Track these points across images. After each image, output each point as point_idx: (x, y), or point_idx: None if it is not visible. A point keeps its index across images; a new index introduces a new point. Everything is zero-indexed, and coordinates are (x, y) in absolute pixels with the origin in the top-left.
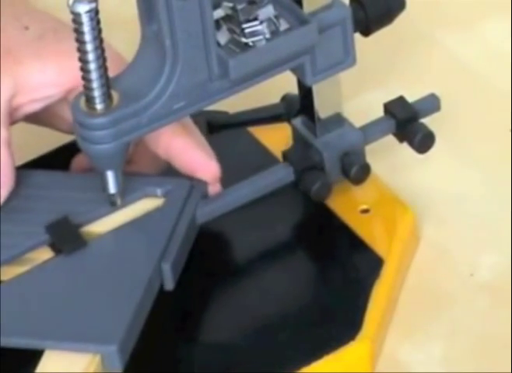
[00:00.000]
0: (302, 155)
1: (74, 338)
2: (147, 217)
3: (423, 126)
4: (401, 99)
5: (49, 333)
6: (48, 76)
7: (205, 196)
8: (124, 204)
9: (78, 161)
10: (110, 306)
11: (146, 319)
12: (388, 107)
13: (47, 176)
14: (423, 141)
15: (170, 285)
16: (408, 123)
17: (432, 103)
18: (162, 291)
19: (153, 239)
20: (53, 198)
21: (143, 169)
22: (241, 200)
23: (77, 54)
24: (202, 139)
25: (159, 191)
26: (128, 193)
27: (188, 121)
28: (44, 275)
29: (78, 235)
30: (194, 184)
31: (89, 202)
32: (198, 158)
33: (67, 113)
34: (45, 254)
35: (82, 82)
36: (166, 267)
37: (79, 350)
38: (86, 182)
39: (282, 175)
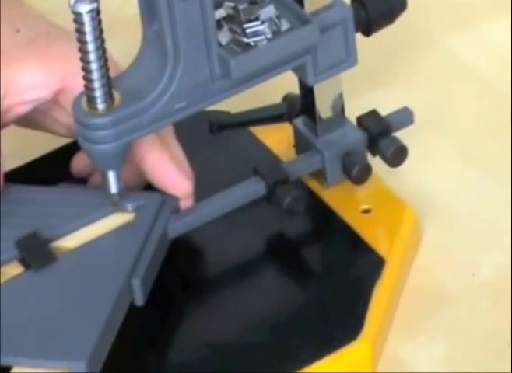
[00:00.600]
0: (273, 168)
1: (43, 354)
2: (117, 232)
3: (396, 139)
4: (373, 113)
5: (17, 349)
6: (37, 78)
7: (176, 210)
8: (95, 219)
9: (78, 159)
10: (79, 322)
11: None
12: (361, 121)
13: (17, 191)
14: (396, 155)
15: (139, 301)
16: (380, 136)
17: (405, 117)
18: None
19: (123, 254)
20: (24, 213)
21: (133, 170)
22: (213, 215)
23: (68, 56)
24: (180, 154)
25: (129, 206)
26: (98, 208)
27: (168, 134)
28: (13, 290)
29: (47, 251)
30: (166, 199)
31: (60, 217)
32: (170, 175)
33: (60, 115)
34: (15, 269)
35: (71, 84)
36: (136, 283)
37: (48, 366)
38: (57, 197)
39: (254, 189)
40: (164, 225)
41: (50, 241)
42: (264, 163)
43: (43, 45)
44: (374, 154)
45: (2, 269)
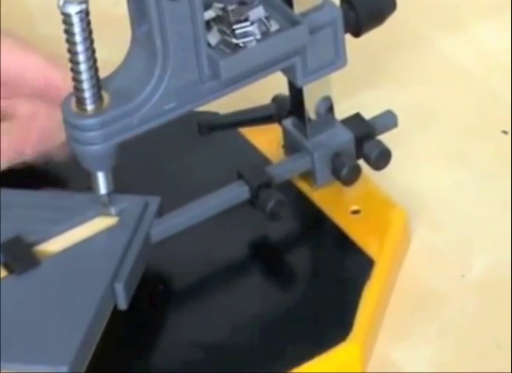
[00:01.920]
0: (257, 172)
1: (25, 358)
2: (100, 235)
3: (380, 143)
4: (357, 116)
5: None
6: None
7: (159, 214)
8: (78, 223)
9: None
10: (61, 326)
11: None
12: (344, 124)
13: (1, 195)
14: (380, 158)
15: (123, 305)
16: (364, 139)
17: (389, 120)
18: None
19: (106, 258)
20: (7, 216)
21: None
22: (196, 219)
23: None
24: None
25: (113, 209)
26: (81, 212)
27: None
28: None
29: (31, 255)
30: (149, 202)
31: (43, 221)
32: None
33: None
34: None
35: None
36: (119, 287)
37: (31, 370)
38: (41, 200)
39: (238, 193)
40: (147, 229)
41: (33, 245)
42: (248, 167)
43: None
44: (358, 157)
45: None
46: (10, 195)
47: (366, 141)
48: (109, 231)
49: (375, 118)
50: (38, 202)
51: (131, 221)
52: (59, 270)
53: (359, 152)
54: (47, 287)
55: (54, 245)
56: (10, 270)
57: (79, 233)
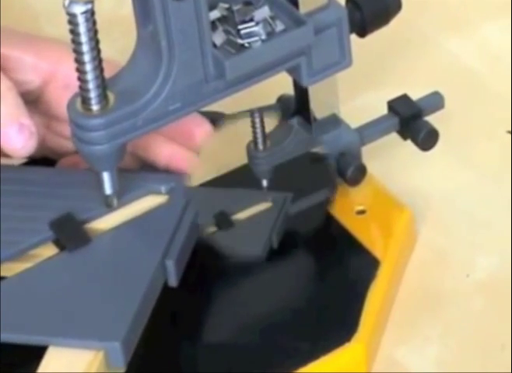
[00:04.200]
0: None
1: (77, 334)
2: (151, 214)
3: (427, 123)
4: (404, 97)
5: (52, 329)
6: (27, 60)
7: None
8: (128, 201)
9: (64, 163)
10: (113, 302)
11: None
12: (392, 105)
13: (51, 173)
14: (427, 139)
15: (173, 282)
16: (411, 120)
17: (436, 101)
18: (162, 291)
19: (157, 236)
20: (57, 195)
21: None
22: None
23: (58, 45)
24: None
25: (162, 188)
26: (131, 190)
27: None
28: (48, 271)
29: (82, 232)
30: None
31: (94, 199)
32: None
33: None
34: (49, 250)
35: (60, 69)
36: (170, 264)
37: (83, 346)
38: (91, 179)
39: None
40: (197, 207)
41: (84, 222)
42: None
43: (34, 37)
44: (405, 138)
45: (37, 250)
46: (61, 174)
47: (413, 122)
48: (159, 208)
49: (422, 99)
50: (89, 180)
51: (181, 199)
52: (110, 247)
53: (407, 133)
54: (98, 264)
55: (104, 223)
56: (61, 247)
57: (130, 211)
